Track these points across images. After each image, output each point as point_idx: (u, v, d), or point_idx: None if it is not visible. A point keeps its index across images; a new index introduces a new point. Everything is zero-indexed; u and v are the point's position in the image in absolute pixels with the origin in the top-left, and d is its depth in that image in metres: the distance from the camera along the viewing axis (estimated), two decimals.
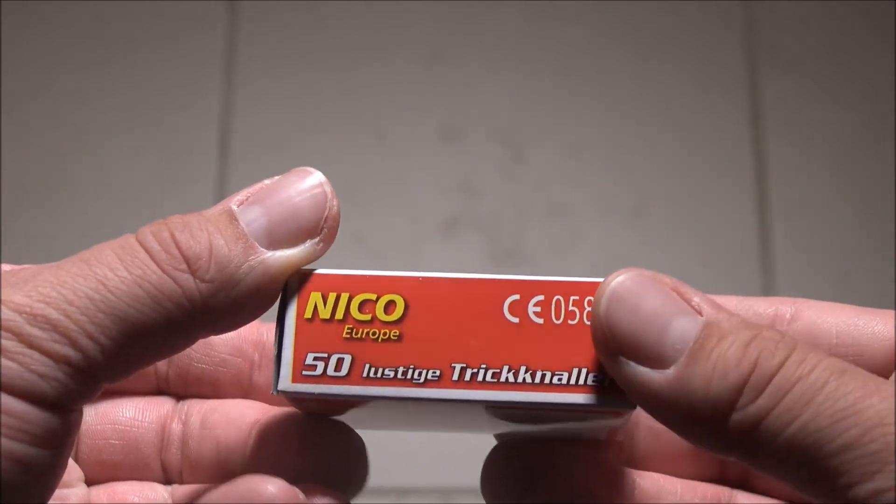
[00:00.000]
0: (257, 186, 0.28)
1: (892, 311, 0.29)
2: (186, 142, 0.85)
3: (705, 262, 0.83)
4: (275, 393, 0.27)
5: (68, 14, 0.89)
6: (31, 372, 0.24)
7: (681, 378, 0.24)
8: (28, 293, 0.25)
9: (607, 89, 0.88)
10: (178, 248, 0.26)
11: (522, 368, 0.26)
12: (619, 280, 0.26)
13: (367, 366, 0.27)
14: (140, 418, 0.32)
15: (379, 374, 0.27)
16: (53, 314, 0.25)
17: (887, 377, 0.26)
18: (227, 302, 0.26)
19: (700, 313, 0.25)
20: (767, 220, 0.83)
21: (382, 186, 0.82)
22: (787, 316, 0.30)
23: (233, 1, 0.90)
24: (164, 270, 0.26)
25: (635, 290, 0.26)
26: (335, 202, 0.28)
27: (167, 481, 0.32)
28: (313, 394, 0.27)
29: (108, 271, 0.25)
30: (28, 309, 0.25)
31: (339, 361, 0.27)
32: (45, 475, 0.25)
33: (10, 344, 0.24)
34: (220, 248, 0.26)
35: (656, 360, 0.25)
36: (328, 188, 0.28)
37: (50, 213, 0.81)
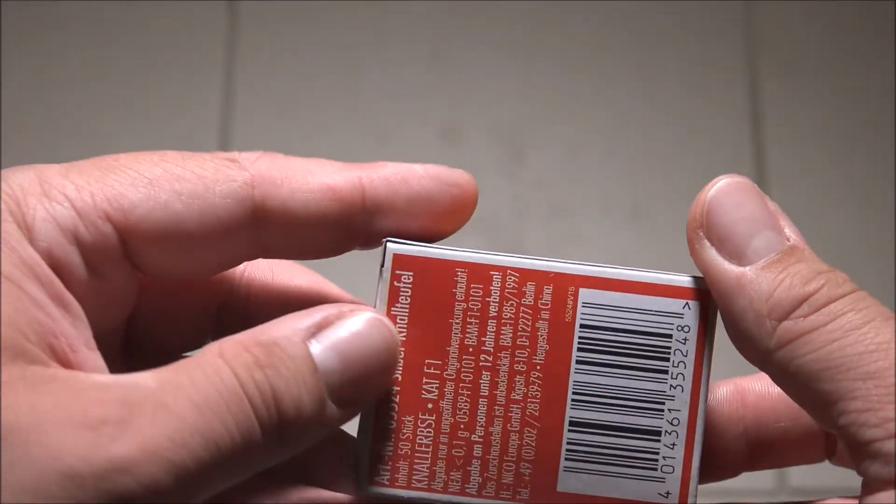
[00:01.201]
0: (329, 315, 0.27)
1: None
2: (186, 142, 0.85)
3: None
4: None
5: (68, 14, 0.89)
6: None
7: (752, 276, 0.27)
8: (152, 458, 0.23)
9: (607, 89, 0.88)
10: (279, 412, 0.25)
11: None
12: (736, 179, 0.29)
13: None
14: None
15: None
16: (172, 485, 0.23)
17: None
18: (285, 454, 0.26)
19: (788, 240, 0.28)
20: None
21: None
22: None
23: (233, 1, 0.90)
24: (263, 434, 0.25)
25: (745, 192, 0.29)
26: (396, 368, 0.28)
27: None
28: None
29: (221, 430, 0.24)
30: (152, 482, 0.23)
31: None
32: None
33: None
34: (306, 413, 0.26)
35: (736, 254, 0.28)
36: (398, 351, 0.28)
37: None
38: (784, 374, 0.27)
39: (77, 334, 0.26)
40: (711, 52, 0.89)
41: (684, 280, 0.28)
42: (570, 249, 0.82)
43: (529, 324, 0.28)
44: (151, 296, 0.30)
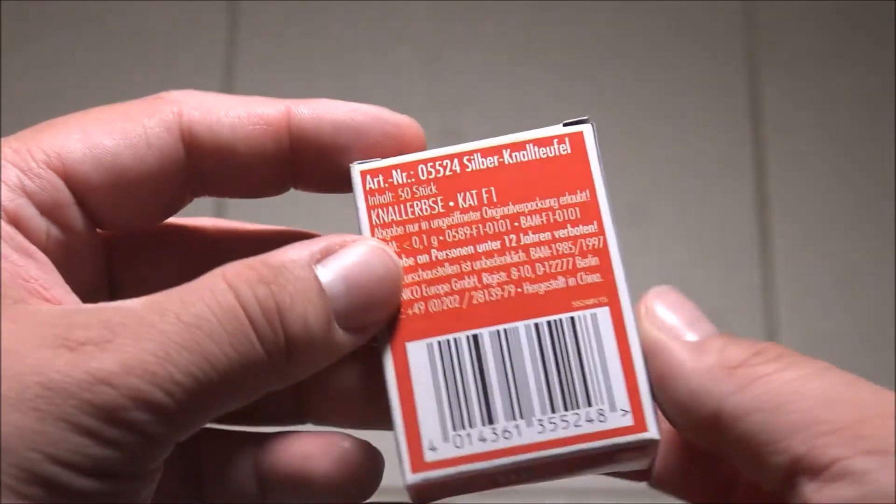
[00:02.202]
0: (334, 243, 0.27)
1: None
2: None
3: (705, 262, 0.83)
4: None
5: (68, 14, 0.89)
6: (136, 458, 0.24)
7: (700, 343, 0.27)
8: (133, 369, 0.24)
9: (607, 89, 0.88)
10: (284, 327, 0.25)
11: None
12: (668, 286, 0.29)
13: None
14: None
15: None
16: (163, 399, 0.24)
17: None
18: (295, 377, 0.27)
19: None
20: (767, 220, 0.83)
21: None
22: None
23: (233, 1, 0.90)
24: (267, 354, 0.25)
25: (679, 296, 0.29)
26: (401, 294, 0.28)
27: None
28: None
29: (213, 346, 0.24)
30: (138, 394, 0.24)
31: None
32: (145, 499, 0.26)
33: (117, 434, 0.24)
34: (314, 332, 0.26)
35: (682, 333, 0.28)
36: (401, 274, 0.28)
37: None
38: (740, 418, 0.26)
39: (48, 277, 0.27)
40: (711, 52, 0.89)
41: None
42: None
43: (556, 268, 0.29)
44: (129, 265, 0.31)
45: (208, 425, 0.31)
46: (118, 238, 0.31)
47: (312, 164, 0.29)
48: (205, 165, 0.29)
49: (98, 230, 0.30)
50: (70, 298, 0.27)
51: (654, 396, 0.28)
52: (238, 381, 0.25)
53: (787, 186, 0.84)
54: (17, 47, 0.88)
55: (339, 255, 0.27)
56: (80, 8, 0.89)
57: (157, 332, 0.24)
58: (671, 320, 0.28)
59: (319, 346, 0.26)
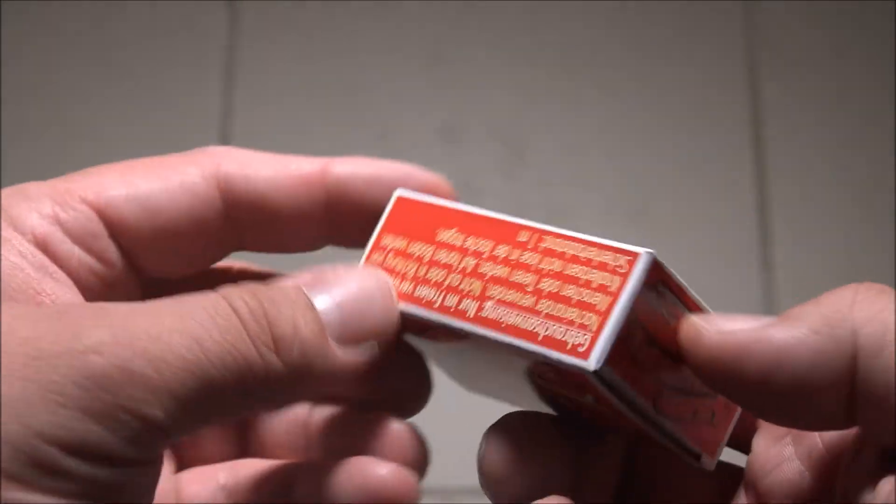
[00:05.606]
0: (323, 273, 0.28)
1: None
2: (186, 141, 0.85)
3: (705, 262, 0.83)
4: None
5: (68, 14, 0.89)
6: (121, 438, 0.24)
7: (789, 312, 0.25)
8: (125, 343, 0.24)
9: (607, 89, 0.88)
10: (269, 322, 0.26)
11: None
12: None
13: None
14: None
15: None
16: (150, 373, 0.24)
17: None
18: (295, 388, 0.27)
19: None
20: (767, 220, 0.83)
21: None
22: None
23: (233, 1, 0.90)
24: (254, 344, 0.26)
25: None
26: (398, 310, 0.29)
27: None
28: None
29: (202, 331, 0.25)
30: (127, 364, 0.24)
31: None
32: None
33: (104, 407, 0.24)
34: (303, 332, 0.26)
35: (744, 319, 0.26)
36: (394, 294, 0.29)
37: None
38: (880, 372, 0.23)
39: (62, 291, 0.28)
40: (711, 52, 0.89)
41: None
42: None
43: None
44: None
45: None
46: (152, 283, 0.31)
47: (347, 220, 0.30)
48: (242, 217, 0.30)
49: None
50: None
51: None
52: (232, 377, 0.25)
53: (787, 186, 0.84)
54: (18, 47, 0.88)
55: (327, 281, 0.28)
56: (81, 8, 0.89)
57: (151, 316, 0.25)
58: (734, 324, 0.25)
59: (314, 355, 0.27)
